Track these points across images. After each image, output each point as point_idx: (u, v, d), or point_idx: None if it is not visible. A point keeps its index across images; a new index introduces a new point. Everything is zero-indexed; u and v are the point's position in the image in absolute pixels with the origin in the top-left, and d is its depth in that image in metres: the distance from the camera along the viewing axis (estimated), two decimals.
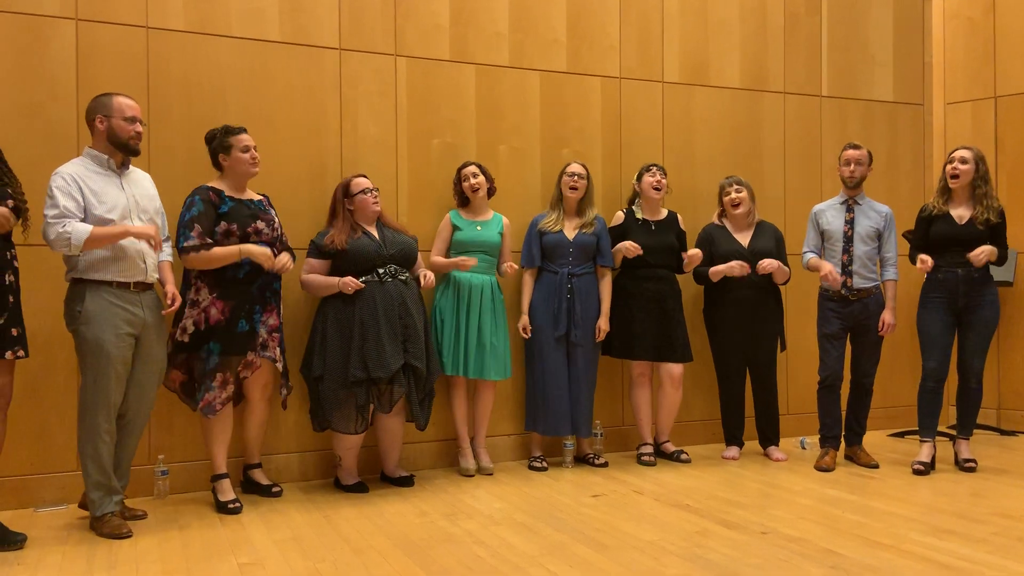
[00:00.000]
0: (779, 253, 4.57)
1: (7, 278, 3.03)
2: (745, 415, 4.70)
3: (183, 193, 3.60)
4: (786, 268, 4.51)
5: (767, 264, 4.40)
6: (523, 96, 4.63)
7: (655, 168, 4.53)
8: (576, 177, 4.35)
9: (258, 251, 3.53)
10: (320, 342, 3.78)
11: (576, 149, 4.74)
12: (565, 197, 4.38)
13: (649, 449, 4.53)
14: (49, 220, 3.08)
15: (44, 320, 3.49)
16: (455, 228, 4.25)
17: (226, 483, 3.64)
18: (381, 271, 3.81)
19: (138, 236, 3.18)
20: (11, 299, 3.05)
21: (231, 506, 3.56)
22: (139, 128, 3.29)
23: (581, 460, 4.49)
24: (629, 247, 4.36)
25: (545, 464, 4.37)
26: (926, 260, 4.11)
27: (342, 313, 3.76)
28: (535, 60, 4.67)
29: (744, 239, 4.57)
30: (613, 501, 3.73)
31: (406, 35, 4.37)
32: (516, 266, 4.29)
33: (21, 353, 3.09)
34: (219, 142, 3.62)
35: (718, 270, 4.47)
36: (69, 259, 3.22)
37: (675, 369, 4.49)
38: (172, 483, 3.82)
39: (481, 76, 4.53)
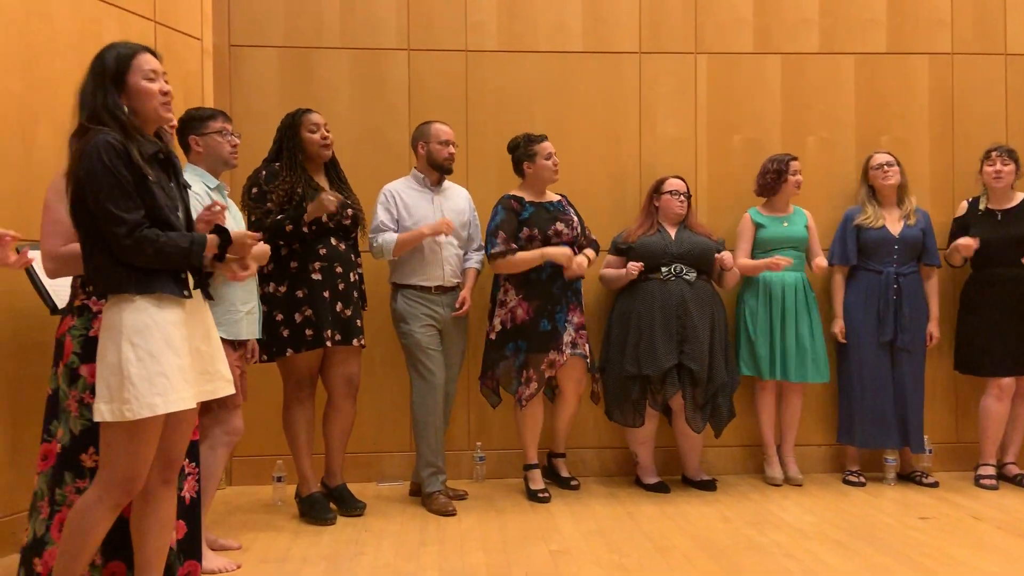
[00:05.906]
0: None
1: (352, 276, 3.49)
2: None
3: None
4: None
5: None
6: (834, 83, 4.33)
7: (994, 153, 3.99)
8: (885, 167, 4.02)
9: (557, 252, 3.69)
10: (607, 335, 3.96)
11: (897, 136, 4.31)
12: (879, 188, 4.03)
13: (991, 471, 3.97)
14: (370, 235, 3.63)
15: (382, 317, 3.94)
16: (758, 226, 4.08)
17: (537, 473, 3.85)
18: (665, 269, 3.80)
19: (431, 234, 3.57)
20: (355, 294, 3.51)
21: (541, 495, 3.75)
22: (452, 150, 3.70)
23: (905, 478, 4.07)
24: (960, 245, 3.90)
25: (863, 479, 4.03)
26: None
27: (625, 308, 3.86)
28: (848, 43, 4.33)
29: None
30: (945, 525, 3.34)
31: (706, 32, 4.30)
32: (826, 263, 4.02)
33: (364, 343, 3.54)
34: (523, 150, 3.83)
35: None
36: (389, 265, 3.70)
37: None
38: (488, 468, 4.14)
39: (787, 65, 4.31)
